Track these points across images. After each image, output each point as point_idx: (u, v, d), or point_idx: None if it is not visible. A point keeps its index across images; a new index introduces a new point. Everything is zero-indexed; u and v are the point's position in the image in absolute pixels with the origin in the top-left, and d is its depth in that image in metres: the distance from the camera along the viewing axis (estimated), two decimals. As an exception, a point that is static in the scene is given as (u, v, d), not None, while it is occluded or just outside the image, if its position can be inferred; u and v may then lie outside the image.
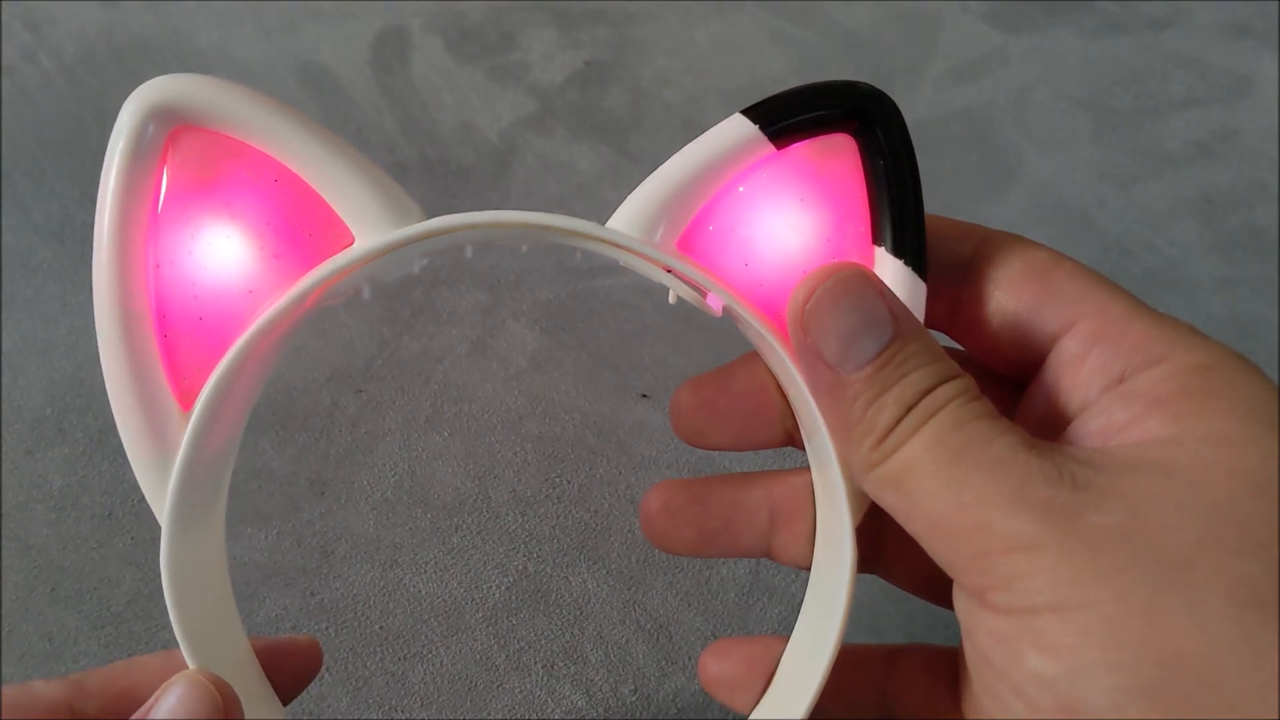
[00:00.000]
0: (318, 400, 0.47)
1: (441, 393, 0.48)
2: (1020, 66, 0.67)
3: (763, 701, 0.27)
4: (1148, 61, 0.67)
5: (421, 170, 0.58)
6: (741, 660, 0.27)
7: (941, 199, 0.61)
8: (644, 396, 0.48)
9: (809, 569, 0.27)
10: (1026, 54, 0.67)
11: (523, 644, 0.41)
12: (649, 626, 0.41)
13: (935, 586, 0.26)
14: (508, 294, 0.52)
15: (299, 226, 0.23)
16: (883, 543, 0.27)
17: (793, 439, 0.27)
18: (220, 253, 0.23)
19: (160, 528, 0.24)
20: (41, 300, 0.50)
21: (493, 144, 0.59)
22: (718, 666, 0.28)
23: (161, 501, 0.23)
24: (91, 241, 0.23)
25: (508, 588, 0.42)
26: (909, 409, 0.21)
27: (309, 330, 0.49)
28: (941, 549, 0.21)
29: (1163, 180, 0.60)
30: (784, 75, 0.65)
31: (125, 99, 0.22)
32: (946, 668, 0.25)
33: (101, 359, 0.23)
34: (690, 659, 0.40)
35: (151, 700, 0.23)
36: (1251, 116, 0.64)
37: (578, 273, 0.53)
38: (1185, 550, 0.19)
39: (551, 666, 0.40)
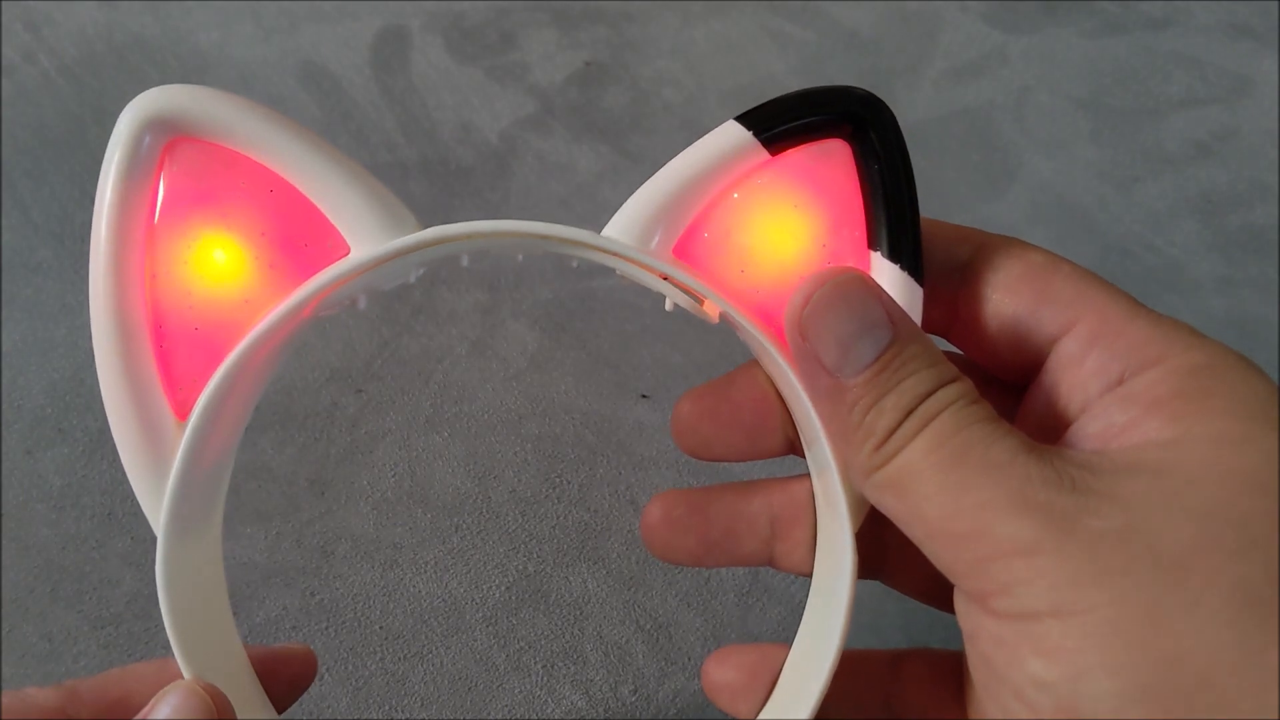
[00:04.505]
0: (318, 400, 0.47)
1: (441, 393, 0.48)
2: (1020, 66, 0.67)
3: (766, 708, 0.27)
4: (1148, 61, 0.67)
5: (421, 170, 0.58)
6: (743, 667, 0.27)
7: (942, 199, 0.61)
8: (644, 397, 0.48)
9: (811, 576, 0.27)
10: (1026, 54, 0.67)
11: (523, 644, 0.41)
12: (649, 627, 0.41)
13: (937, 591, 0.25)
14: (507, 294, 0.52)
15: (295, 236, 0.23)
16: (884, 548, 0.27)
17: (794, 447, 0.27)
18: (216, 263, 0.23)
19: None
20: (41, 300, 0.50)
21: (493, 144, 0.59)
22: (720, 674, 0.27)
23: (157, 512, 0.23)
24: (91, 241, 0.23)
25: (508, 588, 0.42)
26: (908, 413, 0.21)
27: (308, 331, 0.49)
28: (941, 554, 0.21)
29: (1162, 180, 0.60)
30: (784, 75, 0.65)
31: (125, 99, 0.22)
32: (951, 671, 0.25)
33: (97, 368, 0.23)
34: (690, 659, 0.41)
35: (146, 709, 0.23)
36: (1251, 116, 0.64)
37: (578, 273, 0.53)
38: (1182, 552, 0.19)
39: (551, 666, 0.40)
